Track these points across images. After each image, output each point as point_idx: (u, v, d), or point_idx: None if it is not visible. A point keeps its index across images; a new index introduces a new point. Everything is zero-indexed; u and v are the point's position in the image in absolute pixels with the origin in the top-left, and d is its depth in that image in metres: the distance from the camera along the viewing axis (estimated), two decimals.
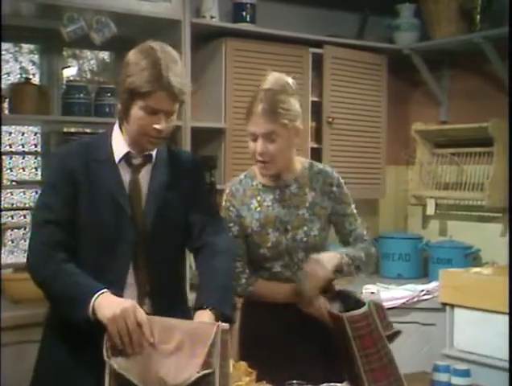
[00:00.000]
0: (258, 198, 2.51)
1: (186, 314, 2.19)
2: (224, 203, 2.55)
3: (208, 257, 2.23)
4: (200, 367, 1.88)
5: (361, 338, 2.17)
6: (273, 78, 2.46)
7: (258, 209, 2.50)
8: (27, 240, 2.25)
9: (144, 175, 2.20)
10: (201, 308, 2.08)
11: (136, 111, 2.08)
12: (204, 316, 2.06)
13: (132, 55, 2.11)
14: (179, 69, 2.10)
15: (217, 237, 2.27)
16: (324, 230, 2.53)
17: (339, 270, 2.44)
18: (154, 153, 2.21)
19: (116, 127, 2.21)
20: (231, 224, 2.49)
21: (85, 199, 2.11)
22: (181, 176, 2.26)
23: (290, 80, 2.48)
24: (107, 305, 1.94)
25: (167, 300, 2.19)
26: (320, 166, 2.60)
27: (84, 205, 2.11)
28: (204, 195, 2.37)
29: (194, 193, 2.29)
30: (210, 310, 2.07)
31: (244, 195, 2.52)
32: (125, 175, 2.17)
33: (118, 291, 2.07)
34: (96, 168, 2.14)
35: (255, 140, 2.40)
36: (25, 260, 2.13)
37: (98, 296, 1.96)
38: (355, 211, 2.59)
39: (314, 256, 2.40)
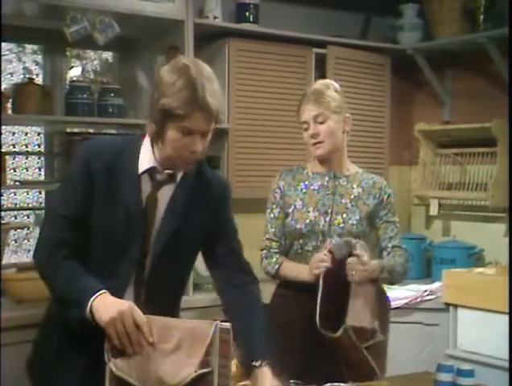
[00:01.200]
0: (307, 182, 2.70)
1: None
2: (272, 186, 2.74)
3: (245, 311, 2.19)
4: (198, 366, 1.88)
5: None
6: (319, 81, 2.78)
7: (304, 190, 2.68)
8: (31, 240, 2.25)
9: (164, 193, 2.14)
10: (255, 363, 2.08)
11: (172, 132, 2.00)
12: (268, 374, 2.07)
13: (165, 74, 2.01)
14: (215, 87, 2.01)
15: (250, 286, 2.26)
16: (363, 225, 2.64)
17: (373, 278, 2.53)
18: (180, 173, 2.15)
19: (147, 142, 2.13)
20: (273, 206, 2.71)
21: (101, 202, 2.07)
22: (206, 200, 2.20)
23: (335, 83, 2.74)
24: (104, 307, 1.93)
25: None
26: (373, 174, 2.76)
27: (98, 208, 2.07)
28: (232, 226, 2.31)
29: (220, 222, 2.24)
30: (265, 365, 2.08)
31: (293, 178, 2.72)
32: (146, 190, 2.12)
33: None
34: (118, 175, 2.08)
35: (308, 128, 2.64)
36: (28, 259, 2.14)
37: (96, 297, 1.94)
38: (398, 224, 2.72)
39: (362, 252, 2.47)
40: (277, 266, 2.68)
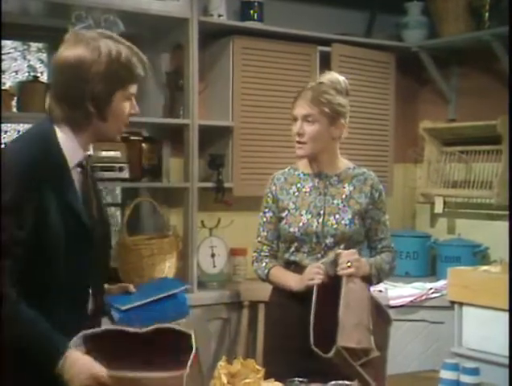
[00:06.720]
0: (298, 185, 2.66)
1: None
2: (265, 190, 2.70)
3: None
4: None
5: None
6: (327, 75, 2.69)
7: (296, 194, 2.65)
8: None
9: (87, 181, 2.03)
10: None
11: (120, 101, 2.00)
12: None
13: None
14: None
15: None
16: (356, 224, 2.61)
17: (365, 277, 2.51)
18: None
19: (64, 131, 1.94)
20: (266, 210, 2.70)
21: (46, 210, 1.86)
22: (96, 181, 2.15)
23: (342, 80, 2.64)
24: (74, 369, 1.81)
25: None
26: (365, 169, 2.72)
27: (46, 217, 1.86)
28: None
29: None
30: None
31: (285, 182, 2.69)
32: (78, 181, 1.98)
33: (84, 305, 1.98)
34: (54, 175, 1.89)
35: (296, 124, 2.61)
36: None
37: (65, 357, 1.81)
38: (388, 222, 2.68)
39: (352, 252, 2.47)
40: (266, 271, 2.66)
